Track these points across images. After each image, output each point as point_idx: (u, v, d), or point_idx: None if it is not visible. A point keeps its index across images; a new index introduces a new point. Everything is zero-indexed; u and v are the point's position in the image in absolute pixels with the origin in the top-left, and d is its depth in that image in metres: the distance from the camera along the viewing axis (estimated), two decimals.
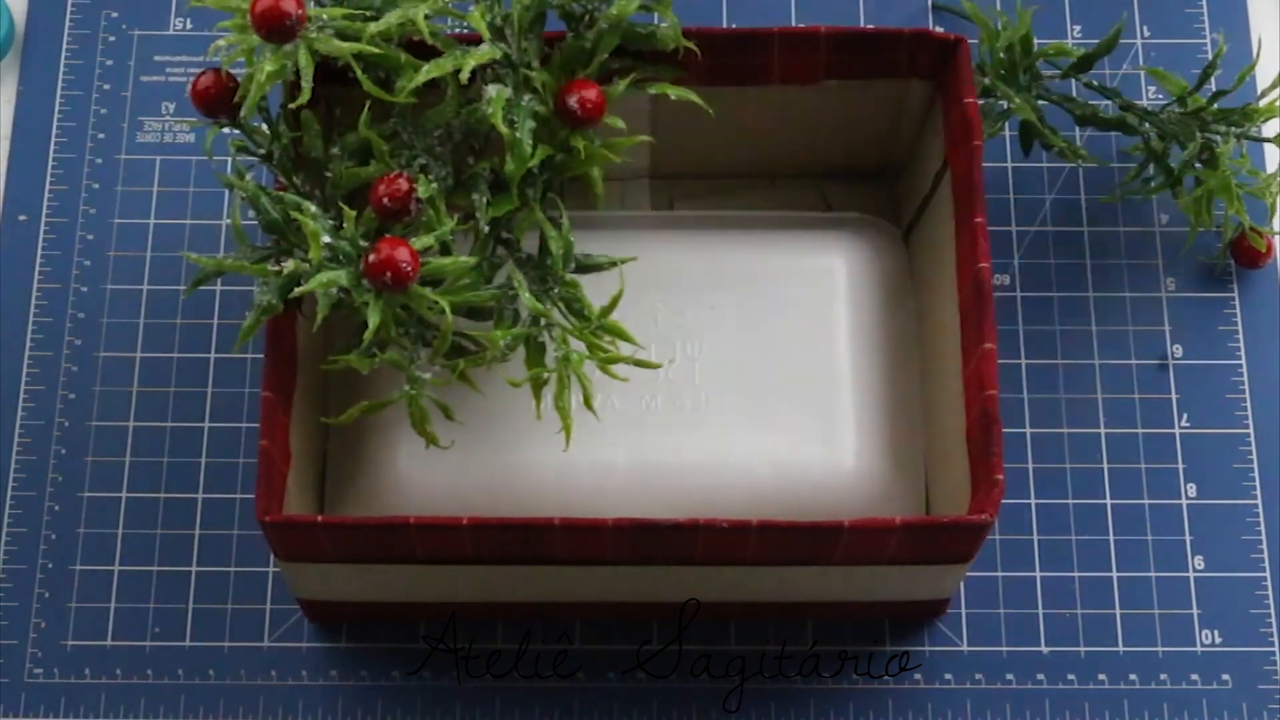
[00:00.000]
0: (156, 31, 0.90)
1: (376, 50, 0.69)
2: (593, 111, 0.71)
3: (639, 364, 0.72)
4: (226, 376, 0.83)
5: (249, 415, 0.82)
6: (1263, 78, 0.89)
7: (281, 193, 0.70)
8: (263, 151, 0.71)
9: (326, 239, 0.68)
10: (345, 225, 0.68)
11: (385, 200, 0.68)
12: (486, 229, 0.72)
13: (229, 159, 0.71)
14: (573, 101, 0.71)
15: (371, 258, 0.67)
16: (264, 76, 0.67)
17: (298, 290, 0.67)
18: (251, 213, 0.71)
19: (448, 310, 0.68)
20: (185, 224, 0.86)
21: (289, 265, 0.68)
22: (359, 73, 0.68)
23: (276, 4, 0.67)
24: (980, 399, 0.70)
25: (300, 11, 0.67)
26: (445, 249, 0.70)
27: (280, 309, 0.69)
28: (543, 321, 0.72)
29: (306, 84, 0.68)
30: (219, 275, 0.71)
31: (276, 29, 0.67)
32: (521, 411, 0.75)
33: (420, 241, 0.68)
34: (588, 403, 0.71)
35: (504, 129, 0.69)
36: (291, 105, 0.69)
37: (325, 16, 0.68)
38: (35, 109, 0.89)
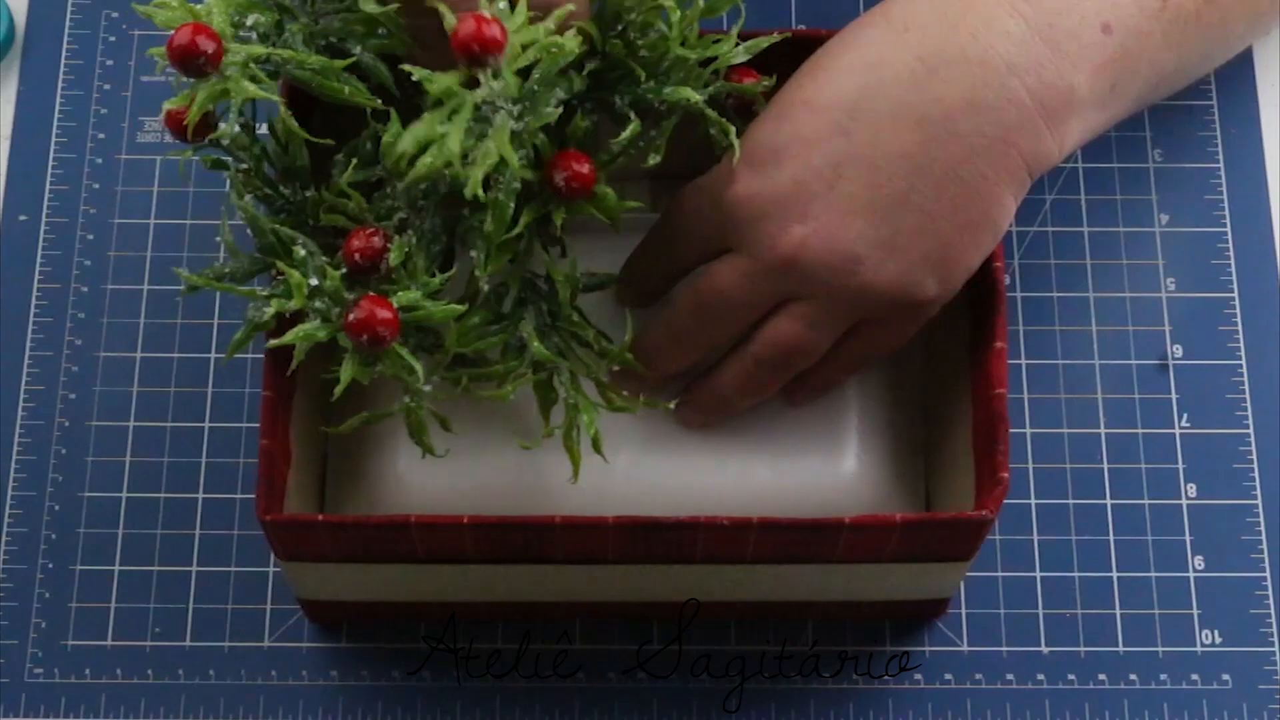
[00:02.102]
0: (157, 31, 0.90)
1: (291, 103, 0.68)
2: (580, 190, 0.69)
3: (649, 404, 0.73)
4: (226, 376, 0.83)
5: (249, 415, 0.82)
6: (1263, 79, 0.89)
7: (279, 227, 0.69)
8: (245, 166, 0.71)
9: (313, 280, 0.67)
10: (327, 280, 0.67)
11: (357, 256, 0.68)
12: (486, 287, 0.70)
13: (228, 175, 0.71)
14: (559, 178, 0.68)
15: (351, 316, 0.66)
16: (196, 109, 0.67)
17: (272, 343, 0.67)
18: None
19: (452, 337, 0.68)
20: (185, 224, 0.86)
21: (272, 308, 0.67)
22: (284, 111, 0.67)
23: (192, 42, 0.65)
24: (988, 397, 0.70)
25: (213, 49, 0.66)
26: (449, 258, 0.69)
27: (273, 325, 0.68)
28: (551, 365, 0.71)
29: (232, 117, 0.67)
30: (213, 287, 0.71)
31: (190, 66, 0.66)
32: (523, 414, 0.75)
33: (405, 297, 0.67)
34: (596, 447, 0.71)
35: (482, 195, 0.66)
36: (212, 137, 0.68)
37: (244, 53, 0.67)
38: (35, 109, 0.89)
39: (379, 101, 0.68)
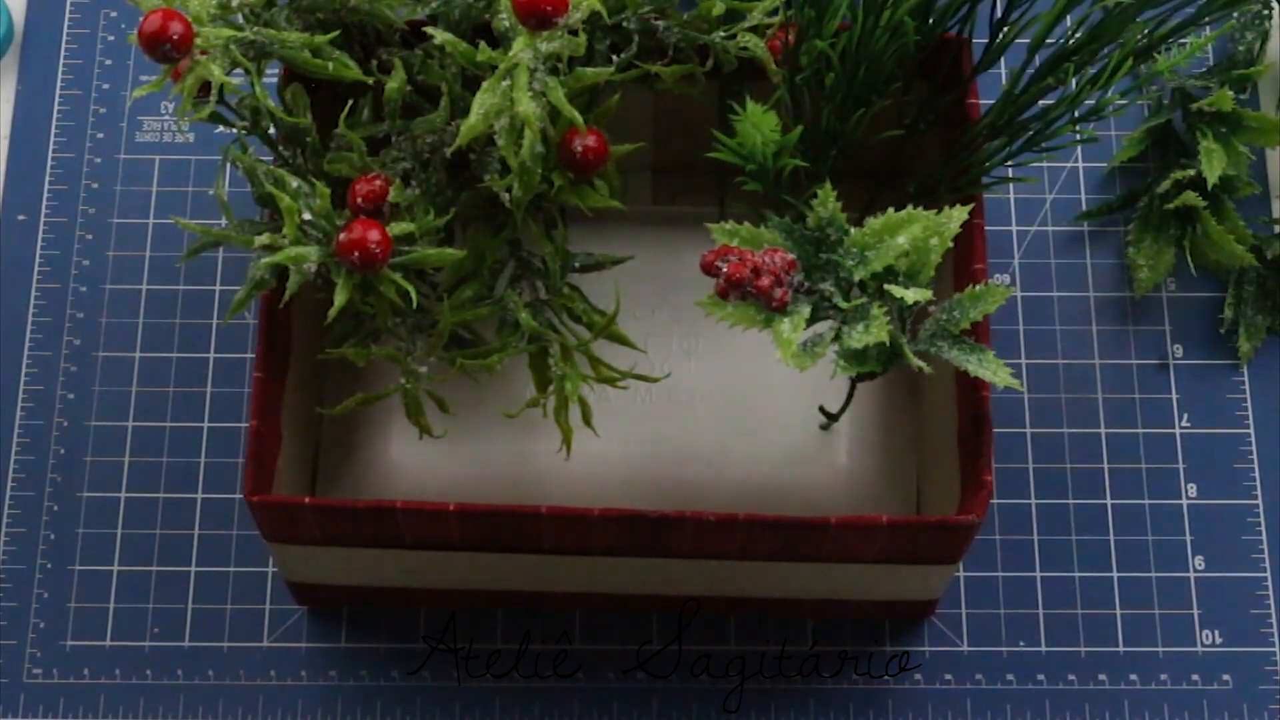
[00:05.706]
0: None
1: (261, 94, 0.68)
2: (594, 158, 0.70)
3: (638, 378, 0.73)
4: (226, 376, 0.83)
5: (248, 415, 0.82)
6: (1264, 83, 0.89)
7: (274, 168, 0.69)
8: (245, 124, 0.71)
9: (306, 215, 0.67)
10: (318, 201, 0.67)
11: (360, 200, 0.68)
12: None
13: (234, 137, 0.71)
14: (577, 145, 0.69)
15: (342, 237, 0.67)
16: (185, 90, 0.67)
17: (267, 260, 0.67)
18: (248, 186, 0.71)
19: (447, 311, 0.68)
20: None
21: (263, 238, 0.68)
22: (258, 86, 0.68)
23: (162, 29, 0.66)
24: (973, 400, 0.70)
25: (180, 33, 0.66)
26: (450, 236, 0.70)
27: (273, 284, 0.69)
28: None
29: (211, 99, 0.68)
30: (214, 246, 0.71)
31: (159, 51, 0.66)
32: (516, 402, 0.75)
33: (399, 227, 0.68)
34: (586, 420, 0.71)
35: (513, 161, 0.68)
36: (197, 117, 0.69)
37: (224, 36, 0.67)
38: (34, 108, 0.89)
39: (366, 77, 0.69)
